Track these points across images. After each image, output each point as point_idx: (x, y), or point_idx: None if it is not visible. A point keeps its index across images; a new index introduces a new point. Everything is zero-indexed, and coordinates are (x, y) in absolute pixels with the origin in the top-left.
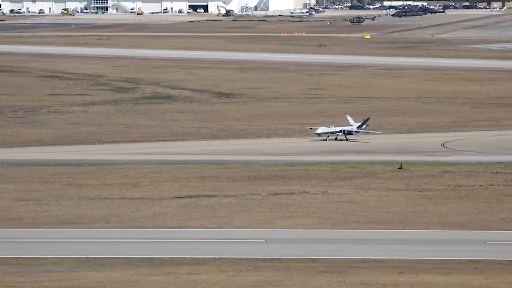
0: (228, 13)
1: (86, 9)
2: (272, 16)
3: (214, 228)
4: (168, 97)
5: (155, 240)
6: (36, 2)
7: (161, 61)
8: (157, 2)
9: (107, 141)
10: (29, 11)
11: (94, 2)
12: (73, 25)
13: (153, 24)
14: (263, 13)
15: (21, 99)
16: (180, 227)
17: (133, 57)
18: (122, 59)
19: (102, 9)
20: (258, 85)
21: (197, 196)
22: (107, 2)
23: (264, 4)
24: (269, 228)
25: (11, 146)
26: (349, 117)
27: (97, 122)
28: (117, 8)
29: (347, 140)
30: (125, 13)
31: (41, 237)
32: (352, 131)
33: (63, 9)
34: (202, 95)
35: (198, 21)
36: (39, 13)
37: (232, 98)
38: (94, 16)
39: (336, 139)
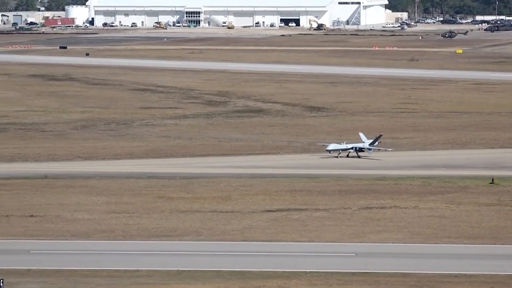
0: (320, 27)
1: (178, 22)
2: (364, 30)
3: (304, 241)
4: (260, 111)
5: (245, 253)
6: (129, 16)
7: (253, 75)
8: (249, 16)
9: (199, 154)
10: (121, 25)
11: (186, 16)
12: (165, 39)
13: (244, 38)
14: (354, 27)
15: (114, 112)
16: (270, 241)
17: (225, 71)
18: (214, 72)
19: (194, 23)
20: (349, 99)
21: (288, 210)
22: (199, 16)
23: (356, 18)
24: (360, 242)
25: (104, 159)
26: (361, 134)
27: (189, 135)
28: (209, 22)
29: (358, 157)
30: (217, 27)
31: (132, 250)
32: (364, 148)
33: (155, 22)
34: (294, 109)
35: (290, 35)
36: (131, 26)
37: (323, 112)
38: (186, 29)
39: (348, 156)
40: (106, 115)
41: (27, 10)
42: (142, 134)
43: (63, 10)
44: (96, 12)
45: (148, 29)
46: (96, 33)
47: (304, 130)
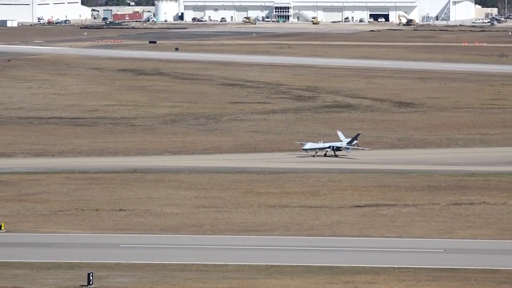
0: (409, 22)
1: (267, 17)
2: (453, 25)
3: (393, 237)
4: (348, 106)
5: (334, 248)
6: (218, 11)
7: (342, 70)
8: (338, 11)
9: (287, 149)
10: (211, 20)
11: (275, 11)
12: (254, 34)
13: (333, 33)
14: (444, 22)
15: (203, 106)
16: (359, 236)
17: (314, 66)
18: (303, 67)
19: (283, 18)
20: (438, 95)
21: (377, 205)
22: (288, 11)
23: (445, 13)
24: (449, 238)
25: (192, 153)
26: (339, 133)
27: (277, 130)
28: (298, 17)
29: (336, 156)
30: (306, 22)
31: (221, 244)
32: (341, 147)
33: (244, 17)
34: (382, 104)
35: (379, 31)
36: (221, 21)
37: (412, 108)
38: (275, 24)
39: (325, 155)
40: (195, 110)
41: (117, 4)
42: (230, 129)
43: (153, 5)
44: (186, 7)
45: (237, 24)
46: (186, 28)
47: (393, 126)
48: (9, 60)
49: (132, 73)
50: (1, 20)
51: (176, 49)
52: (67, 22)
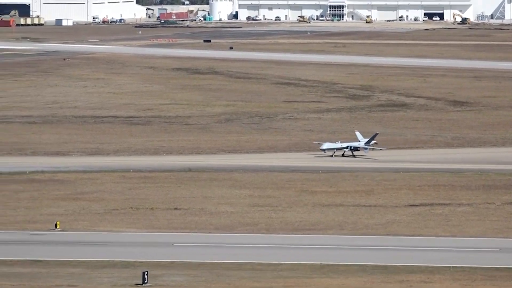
0: (464, 21)
1: (322, 16)
2: (509, 24)
3: (448, 236)
4: (403, 105)
5: (388, 247)
6: (273, 10)
7: (396, 69)
8: (393, 10)
9: None
10: (265, 19)
11: (330, 10)
12: (308, 32)
13: (388, 32)
14: (499, 21)
15: (257, 105)
16: (413, 235)
17: (368, 65)
18: (357, 66)
19: (337, 17)
20: (493, 94)
21: (431, 205)
22: (342, 10)
23: (501, 12)
24: (504, 237)
25: (247, 152)
26: (357, 133)
27: (332, 129)
28: (352, 16)
29: (353, 156)
30: (360, 21)
31: (275, 243)
32: (359, 147)
33: (299, 16)
34: (437, 103)
35: (434, 29)
36: (275, 20)
37: (467, 107)
38: (329, 23)
39: (343, 155)
40: (249, 109)
41: (171, 3)
42: (285, 127)
43: (207, 3)
44: (240, 6)
45: (291, 23)
46: (240, 27)
47: (448, 125)
48: (64, 59)
49: (187, 72)
50: (56, 19)
51: (231, 48)
52: (122, 21)
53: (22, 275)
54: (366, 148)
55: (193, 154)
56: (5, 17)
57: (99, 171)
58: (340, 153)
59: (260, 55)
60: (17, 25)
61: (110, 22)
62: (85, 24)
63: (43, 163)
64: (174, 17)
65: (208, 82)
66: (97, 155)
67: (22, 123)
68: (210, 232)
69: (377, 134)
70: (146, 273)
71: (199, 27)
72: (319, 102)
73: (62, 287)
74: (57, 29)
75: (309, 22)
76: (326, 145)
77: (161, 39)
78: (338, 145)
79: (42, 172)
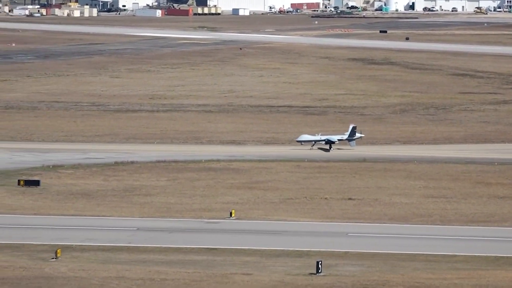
0: None
1: (499, 8)
2: None
3: None
4: None
5: None
6: (449, 1)
7: None
8: None
9: None
10: (442, 9)
11: (507, 1)
12: (485, 24)
13: None
14: None
15: (432, 96)
16: None
17: None
18: None
19: None
20: None
21: None
22: None
23: None
24: None
25: (422, 143)
26: (352, 126)
27: (508, 121)
28: None
29: (328, 150)
30: None
31: (450, 235)
32: (334, 141)
33: (476, 7)
34: None
35: None
36: (452, 11)
37: None
38: (506, 14)
39: (329, 148)
40: (424, 100)
41: None
42: (460, 119)
43: None
44: None
45: (468, 14)
46: (416, 18)
47: None
48: (240, 49)
49: (362, 62)
50: (233, 9)
51: (407, 38)
52: (298, 11)
53: (197, 263)
54: (351, 140)
55: (368, 144)
56: (183, 7)
57: (274, 160)
58: (323, 146)
59: (436, 46)
60: (194, 14)
61: (286, 12)
62: (262, 14)
63: (218, 152)
64: (305, 7)
65: (384, 72)
66: (272, 144)
67: (198, 112)
68: (384, 223)
69: (355, 126)
70: (320, 262)
71: (375, 17)
72: (495, 93)
73: (236, 275)
74: (234, 19)
75: (486, 14)
76: (302, 137)
77: (337, 29)
78: (317, 137)
79: (218, 160)
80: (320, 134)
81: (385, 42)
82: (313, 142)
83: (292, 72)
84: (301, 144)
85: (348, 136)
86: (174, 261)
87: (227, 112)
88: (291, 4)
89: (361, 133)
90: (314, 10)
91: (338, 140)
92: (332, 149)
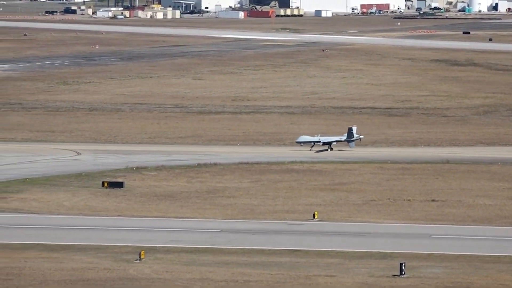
0: None
1: None
2: None
3: None
4: None
5: None
6: None
7: None
8: None
9: None
10: None
11: None
12: None
13: None
14: None
15: None
16: None
17: None
18: None
19: None
20: None
21: None
22: None
23: None
24: None
25: (506, 145)
26: (354, 128)
27: None
28: None
29: (326, 150)
30: None
31: None
32: (331, 142)
33: None
34: None
35: None
36: None
37: None
38: None
39: (330, 149)
40: (508, 101)
41: None
42: None
43: None
44: None
45: None
46: (499, 19)
47: None
48: (323, 50)
49: (445, 64)
50: (316, 10)
51: (490, 39)
52: (381, 12)
53: (280, 264)
54: (350, 142)
55: (451, 146)
56: (265, 8)
57: (357, 161)
58: (323, 147)
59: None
60: (277, 15)
61: (369, 13)
62: (344, 15)
63: (301, 153)
64: (375, 8)
65: (467, 74)
66: (356, 146)
67: (281, 113)
68: (467, 224)
69: (351, 128)
70: (403, 264)
71: (458, 18)
72: None
73: (320, 276)
74: (316, 20)
75: None
76: (301, 138)
77: (420, 31)
78: (316, 138)
79: (301, 162)
80: (319, 135)
81: (468, 43)
82: (312, 143)
83: (375, 74)
84: (301, 145)
85: (347, 138)
86: (258, 262)
87: (309, 114)
88: (361, 5)
89: (360, 135)
90: (393, 12)
91: (336, 141)
92: (331, 149)
